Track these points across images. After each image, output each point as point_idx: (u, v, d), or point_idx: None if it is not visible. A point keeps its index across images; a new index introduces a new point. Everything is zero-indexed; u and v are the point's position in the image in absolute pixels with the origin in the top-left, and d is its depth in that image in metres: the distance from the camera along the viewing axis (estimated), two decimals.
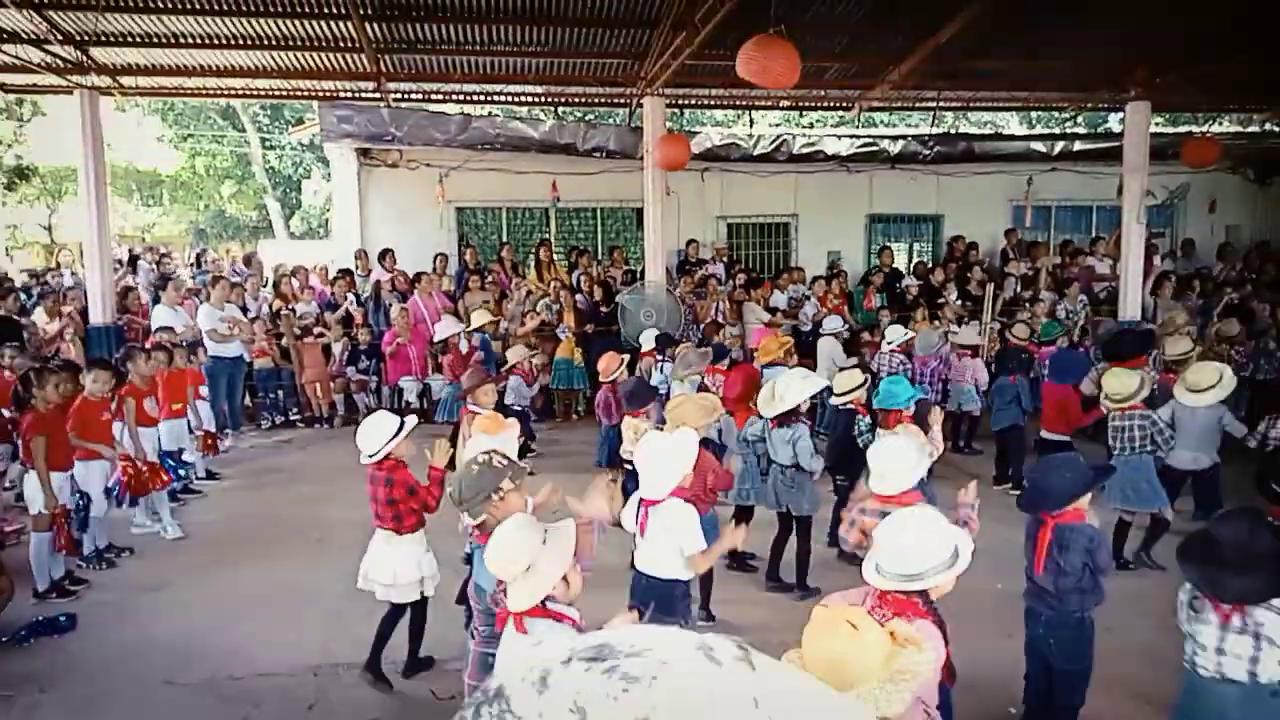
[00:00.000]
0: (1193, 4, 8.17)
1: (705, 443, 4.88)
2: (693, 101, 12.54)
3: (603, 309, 11.09)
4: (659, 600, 3.85)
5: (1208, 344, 8.99)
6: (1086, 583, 3.61)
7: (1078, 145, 13.35)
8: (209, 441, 8.46)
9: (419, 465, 4.52)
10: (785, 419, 5.51)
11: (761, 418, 6.00)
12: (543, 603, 2.73)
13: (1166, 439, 5.93)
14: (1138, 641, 4.66)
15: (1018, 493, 7.24)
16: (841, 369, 7.97)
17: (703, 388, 7.67)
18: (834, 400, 6.46)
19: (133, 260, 12.70)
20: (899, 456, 3.89)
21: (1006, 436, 7.92)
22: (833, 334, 10.06)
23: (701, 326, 10.85)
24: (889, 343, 9.01)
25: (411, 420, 4.50)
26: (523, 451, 7.60)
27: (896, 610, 2.70)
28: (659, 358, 8.67)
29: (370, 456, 4.35)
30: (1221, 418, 6.34)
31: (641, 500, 3.96)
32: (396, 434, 4.35)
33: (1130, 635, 4.68)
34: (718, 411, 5.32)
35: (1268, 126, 14.22)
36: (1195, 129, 13.74)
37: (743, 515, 5.97)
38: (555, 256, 12.63)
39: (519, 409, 8.56)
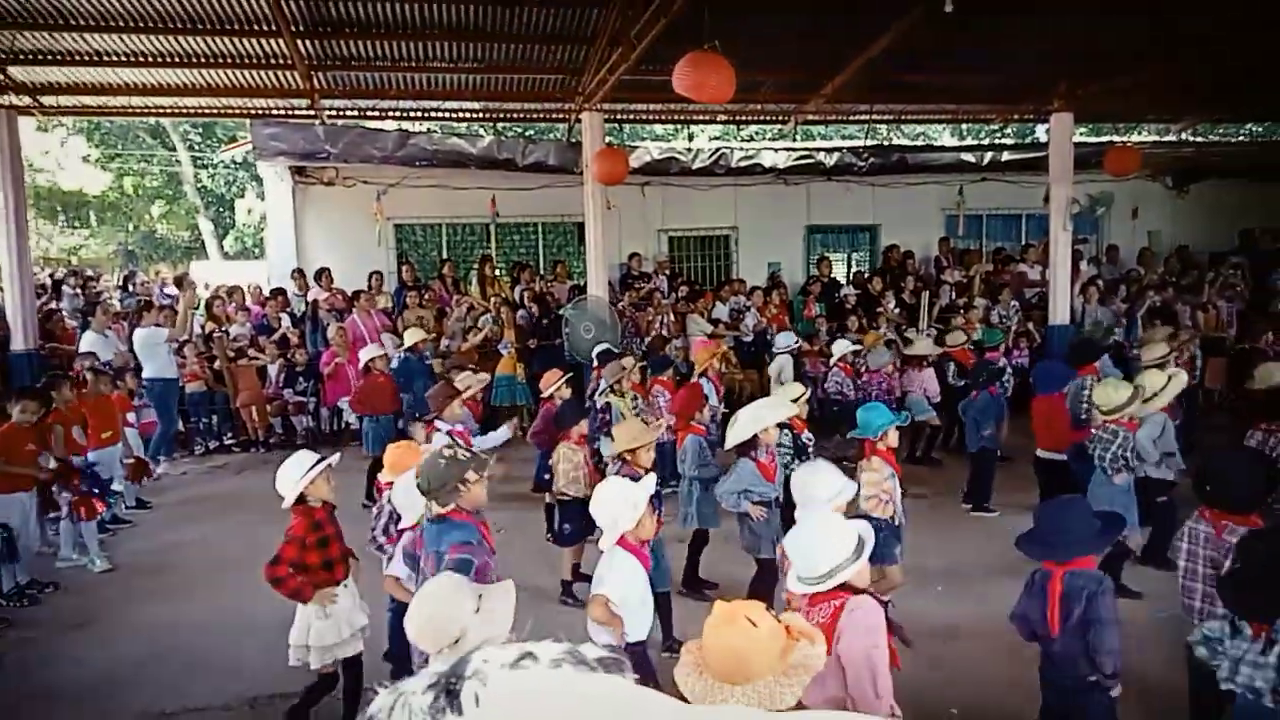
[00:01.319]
0: (1111, 19, 8.47)
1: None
2: (631, 116, 12.59)
3: (543, 322, 11.04)
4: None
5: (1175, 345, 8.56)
6: (1115, 636, 3.27)
7: (1006, 156, 13.73)
8: (139, 469, 8.19)
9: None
10: (744, 449, 5.15)
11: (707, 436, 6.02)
12: None
13: (1131, 456, 5.51)
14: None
15: (982, 514, 7.34)
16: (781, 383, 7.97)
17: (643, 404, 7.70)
18: (788, 414, 6.01)
19: (56, 285, 12.27)
20: (808, 482, 3.86)
21: (977, 458, 7.61)
22: (782, 351, 9.84)
23: (645, 340, 10.89)
24: (834, 358, 8.95)
25: (332, 457, 4.19)
26: None
27: (828, 599, 2.89)
28: (601, 374, 8.57)
29: (285, 501, 4.06)
30: (1164, 427, 5.91)
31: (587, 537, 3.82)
32: (310, 470, 4.02)
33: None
34: (658, 431, 5.34)
35: (1184, 135, 14.80)
36: (1117, 138, 14.23)
37: (698, 538, 5.88)
38: (498, 272, 12.57)
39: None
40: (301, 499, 4.06)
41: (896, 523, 4.94)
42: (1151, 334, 9.00)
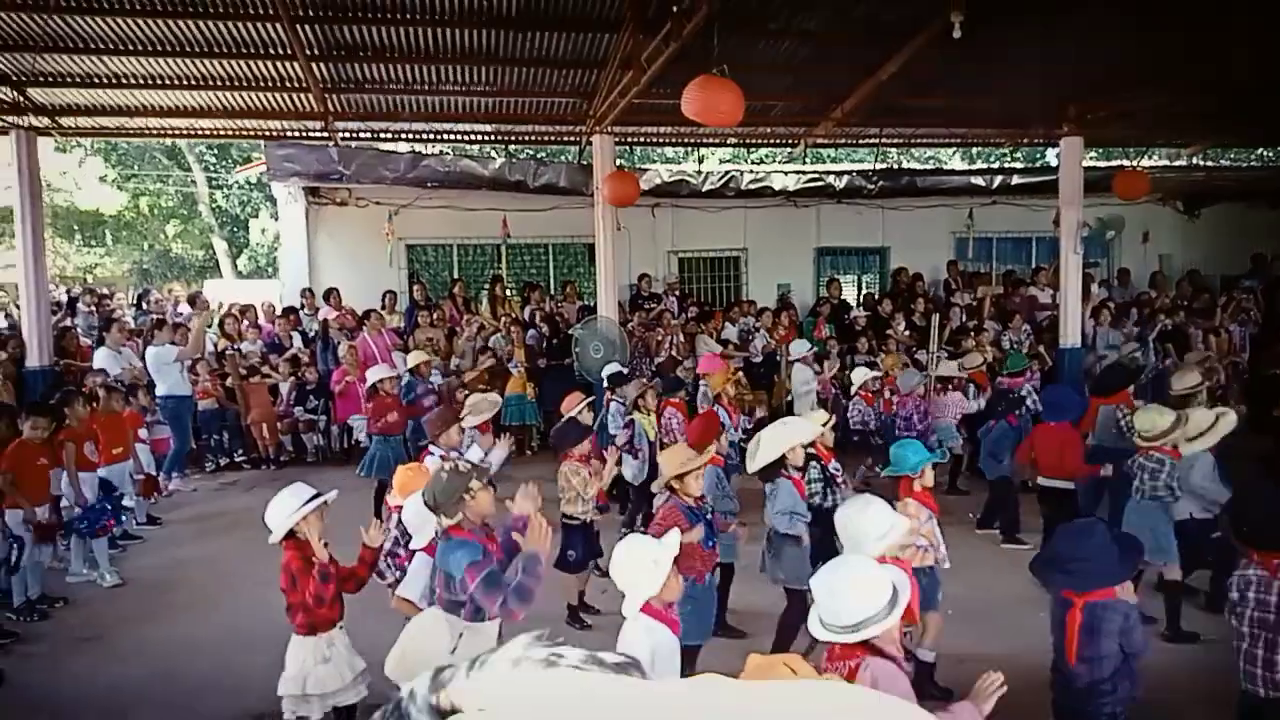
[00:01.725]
0: (1120, 43, 8.51)
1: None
2: (641, 139, 12.69)
3: (553, 341, 11.09)
4: None
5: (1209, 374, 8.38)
6: (1123, 668, 3.24)
7: (1015, 179, 13.76)
8: (148, 486, 8.24)
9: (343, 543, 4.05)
10: (770, 474, 4.88)
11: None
12: None
13: (1172, 489, 5.37)
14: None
15: (1014, 545, 7.08)
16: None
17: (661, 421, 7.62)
18: (812, 436, 5.74)
19: (71, 302, 12.40)
20: (858, 520, 3.56)
21: (996, 487, 7.49)
22: (800, 359, 9.82)
23: (656, 361, 10.90)
24: (855, 387, 8.61)
25: (330, 494, 3.97)
26: None
27: (845, 656, 2.71)
28: (613, 396, 8.52)
29: (273, 536, 3.87)
30: (1193, 464, 5.60)
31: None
32: (300, 508, 3.81)
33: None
34: (709, 456, 4.84)
35: (1195, 160, 14.81)
36: (1126, 163, 14.25)
37: (723, 575, 5.44)
38: (509, 292, 12.64)
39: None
40: (291, 534, 3.85)
41: (941, 567, 4.67)
42: (1190, 358, 8.83)
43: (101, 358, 9.52)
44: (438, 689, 0.61)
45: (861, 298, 14.08)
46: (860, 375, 8.77)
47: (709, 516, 4.67)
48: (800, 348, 9.96)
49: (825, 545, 5.33)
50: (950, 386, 8.68)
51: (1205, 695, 4.43)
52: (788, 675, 2.21)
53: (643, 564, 3.18)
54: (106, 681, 5.06)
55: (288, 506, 3.83)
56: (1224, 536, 5.32)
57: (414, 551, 4.25)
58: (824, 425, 5.75)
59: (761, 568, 5.12)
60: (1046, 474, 6.53)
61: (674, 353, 10.84)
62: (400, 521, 4.60)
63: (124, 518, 7.54)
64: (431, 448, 5.94)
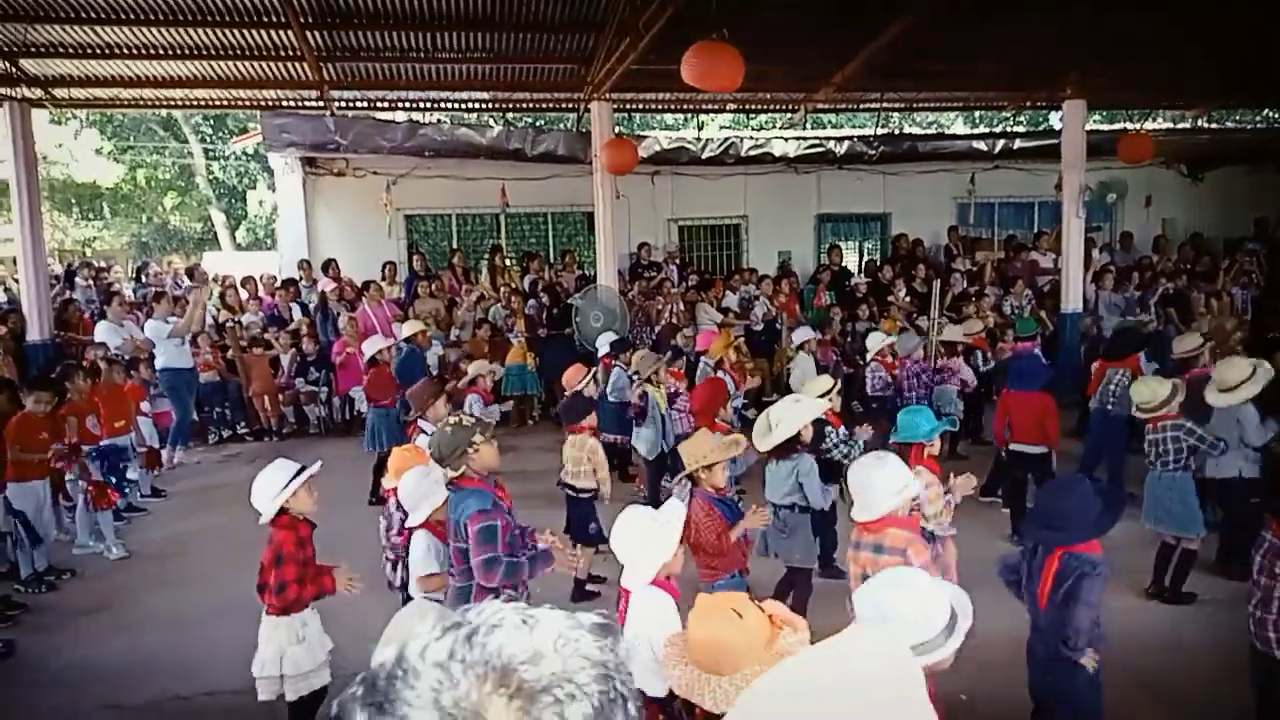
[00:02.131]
0: (1123, 5, 8.39)
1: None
2: (640, 106, 12.58)
3: (553, 310, 11.07)
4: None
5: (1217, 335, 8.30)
6: (1088, 617, 3.27)
7: (1018, 143, 13.64)
8: (152, 458, 8.27)
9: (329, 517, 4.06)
10: (784, 451, 4.82)
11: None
12: None
13: (1210, 446, 5.31)
14: (1149, 676, 4.47)
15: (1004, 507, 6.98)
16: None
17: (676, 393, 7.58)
18: (820, 412, 5.72)
19: (69, 275, 12.38)
20: (873, 475, 3.54)
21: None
22: (801, 344, 9.51)
23: (656, 329, 10.89)
24: (871, 353, 8.48)
25: (312, 468, 3.87)
26: None
27: None
28: (612, 363, 8.54)
29: (263, 517, 3.78)
30: (1239, 420, 5.54)
31: (621, 589, 3.30)
32: (288, 483, 3.74)
33: (1138, 668, 4.45)
34: (740, 447, 4.70)
35: (1199, 122, 14.66)
36: (1130, 126, 14.12)
37: None
38: (508, 261, 12.59)
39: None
40: (283, 511, 3.77)
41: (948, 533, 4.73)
42: (1223, 323, 8.79)
43: (102, 331, 9.51)
44: (401, 659, 0.61)
45: (863, 264, 14.03)
46: (875, 340, 8.55)
47: (737, 504, 4.60)
48: (804, 334, 9.62)
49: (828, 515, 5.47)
50: (956, 352, 8.62)
51: (1209, 657, 4.48)
52: (731, 617, 2.23)
53: (654, 538, 3.14)
54: (113, 652, 5.12)
55: (274, 485, 3.75)
56: (1242, 495, 5.51)
57: (410, 531, 4.22)
58: (827, 393, 5.76)
59: (762, 548, 4.97)
60: (1021, 440, 6.56)
61: (674, 321, 10.82)
62: (394, 507, 4.57)
63: (127, 490, 7.59)
64: (420, 422, 5.91)
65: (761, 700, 0.64)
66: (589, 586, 5.77)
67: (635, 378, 7.59)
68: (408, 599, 4.26)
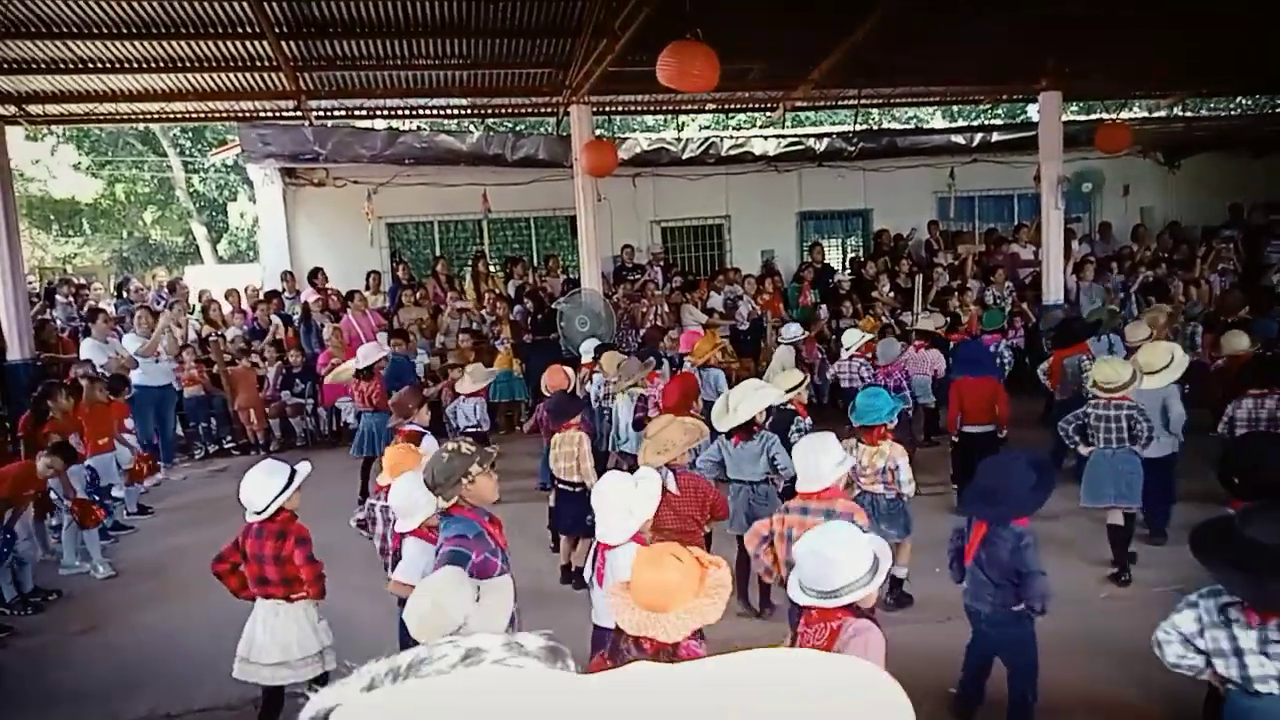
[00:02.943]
0: None
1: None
2: (619, 108, 12.58)
3: (537, 316, 11.07)
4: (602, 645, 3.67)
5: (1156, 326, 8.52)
6: (1024, 586, 3.56)
7: (996, 136, 13.71)
8: (138, 470, 8.19)
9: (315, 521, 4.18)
10: (747, 432, 5.23)
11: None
12: None
13: (1150, 431, 5.56)
14: (1082, 638, 4.58)
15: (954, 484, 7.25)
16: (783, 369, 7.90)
17: (642, 397, 7.64)
18: (780, 399, 6.16)
19: (49, 293, 12.27)
20: (816, 450, 4.02)
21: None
22: (789, 342, 9.60)
23: (641, 332, 10.90)
24: (847, 349, 8.65)
25: (304, 469, 4.08)
26: None
27: (825, 619, 2.81)
28: (595, 368, 8.55)
29: (258, 513, 3.94)
30: (1166, 399, 5.94)
31: (598, 545, 3.70)
32: (288, 485, 3.96)
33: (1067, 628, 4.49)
34: (703, 433, 5.12)
35: (1175, 110, 14.79)
36: (1107, 116, 14.22)
37: None
38: (491, 268, 12.57)
39: (471, 430, 8.31)
40: (279, 510, 3.96)
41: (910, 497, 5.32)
42: (1149, 313, 9.02)
43: (88, 348, 9.42)
44: (328, 716, 0.60)
45: (847, 261, 14.09)
46: (851, 337, 8.71)
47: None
48: (792, 331, 9.76)
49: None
50: (929, 344, 8.90)
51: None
52: (673, 563, 2.59)
53: (640, 494, 3.59)
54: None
55: (273, 487, 3.91)
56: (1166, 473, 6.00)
57: (403, 534, 4.22)
58: (795, 387, 6.25)
59: (733, 522, 5.25)
60: (972, 421, 6.87)
61: (659, 323, 10.83)
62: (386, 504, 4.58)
63: (113, 508, 7.54)
64: (407, 426, 6.16)
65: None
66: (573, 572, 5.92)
67: (610, 383, 7.66)
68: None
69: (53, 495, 6.66)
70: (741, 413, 5.16)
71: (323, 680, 4.04)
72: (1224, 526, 2.93)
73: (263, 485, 3.93)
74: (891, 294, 11.74)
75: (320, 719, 0.59)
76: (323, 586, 4.01)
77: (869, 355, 8.64)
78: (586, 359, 8.67)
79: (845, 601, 2.76)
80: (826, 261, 13.60)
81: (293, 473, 4.00)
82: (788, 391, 6.09)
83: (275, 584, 3.97)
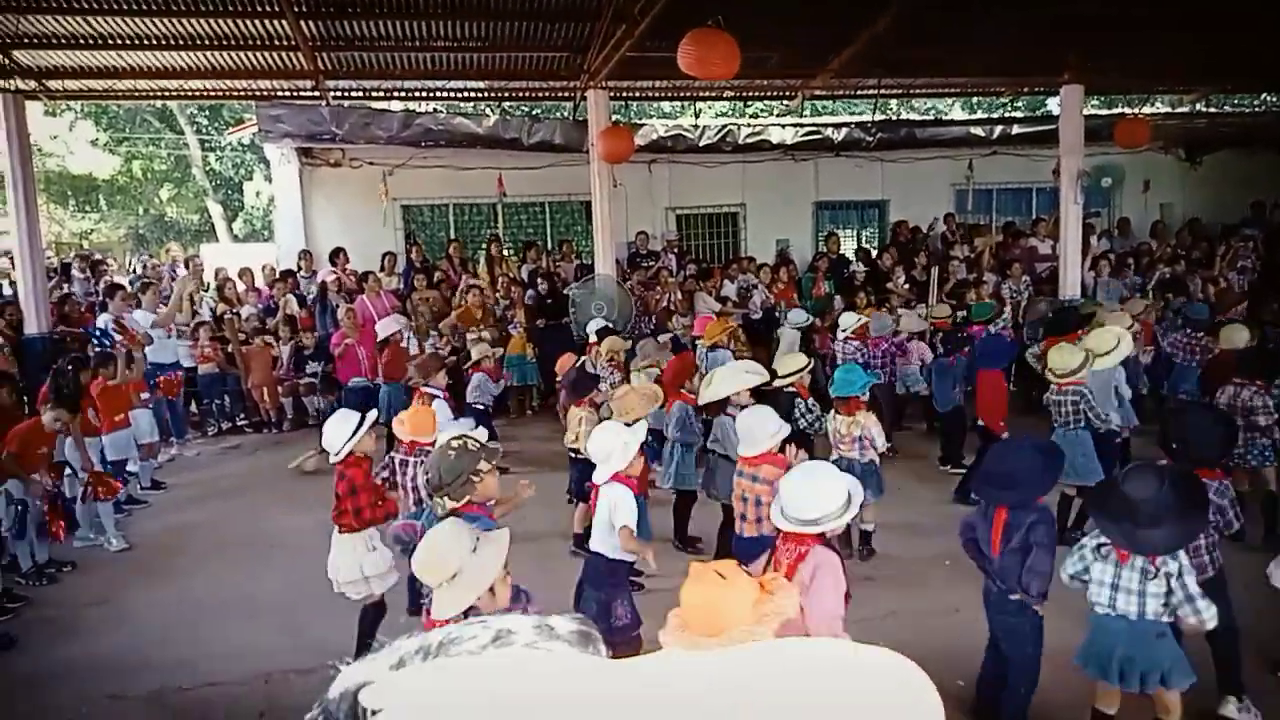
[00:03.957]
0: None
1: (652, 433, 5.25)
2: (636, 94, 12.53)
3: (550, 301, 11.07)
4: (597, 576, 4.23)
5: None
6: (1048, 562, 3.60)
7: (1016, 129, 13.61)
8: (151, 448, 8.28)
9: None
10: (714, 409, 5.64)
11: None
12: (465, 613, 2.60)
13: (1096, 413, 5.97)
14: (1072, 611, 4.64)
15: (958, 472, 7.46)
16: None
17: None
18: (777, 382, 6.53)
19: (65, 269, 12.35)
20: (756, 421, 4.57)
21: (949, 418, 8.05)
22: (795, 327, 9.94)
23: (653, 317, 10.89)
24: (843, 330, 8.87)
25: (372, 415, 4.69)
26: None
27: (798, 543, 3.20)
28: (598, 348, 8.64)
29: (334, 456, 4.53)
30: (1115, 381, 6.54)
31: (591, 485, 4.35)
32: (355, 431, 4.51)
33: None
34: (659, 400, 5.66)
35: (1197, 106, 14.63)
36: (1128, 110, 14.08)
37: (684, 500, 6.18)
38: (505, 251, 12.56)
39: (481, 407, 8.41)
40: (350, 452, 4.51)
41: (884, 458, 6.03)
42: (1129, 304, 9.37)
43: (104, 324, 9.48)
44: (357, 693, 0.60)
45: (871, 252, 14.04)
46: (848, 319, 8.98)
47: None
48: (798, 317, 10.01)
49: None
50: (919, 336, 9.27)
51: None
52: (715, 579, 2.43)
53: (616, 443, 4.19)
54: (116, 643, 5.13)
55: (344, 432, 4.51)
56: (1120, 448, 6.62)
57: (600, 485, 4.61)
58: (801, 369, 6.60)
59: (715, 491, 5.74)
60: (982, 417, 7.11)
61: (671, 309, 10.82)
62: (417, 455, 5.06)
63: (127, 481, 7.60)
64: (424, 386, 6.70)
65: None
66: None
67: (608, 364, 7.91)
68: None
69: (66, 472, 6.71)
70: (716, 390, 5.54)
71: (375, 607, 4.56)
72: (1110, 485, 3.60)
73: (333, 433, 4.56)
74: (907, 286, 11.66)
75: (350, 693, 0.59)
76: (360, 523, 4.49)
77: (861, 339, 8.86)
78: (592, 340, 8.73)
79: (821, 529, 3.16)
80: (842, 252, 13.52)
81: (361, 420, 4.56)
82: (789, 375, 6.42)
83: (335, 515, 4.55)
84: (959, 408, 7.91)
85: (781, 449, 4.54)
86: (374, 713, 0.57)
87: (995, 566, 3.72)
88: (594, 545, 4.30)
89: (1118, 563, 3.39)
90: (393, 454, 5.29)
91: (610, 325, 9.15)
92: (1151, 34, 9.57)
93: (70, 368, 6.95)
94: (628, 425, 4.69)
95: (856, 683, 0.60)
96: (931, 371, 8.38)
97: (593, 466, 5.82)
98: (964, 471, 7.44)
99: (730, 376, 5.63)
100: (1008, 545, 3.64)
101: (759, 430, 4.54)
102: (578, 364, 7.35)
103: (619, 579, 4.22)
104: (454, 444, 3.58)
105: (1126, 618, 3.35)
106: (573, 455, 6.32)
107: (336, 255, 11.71)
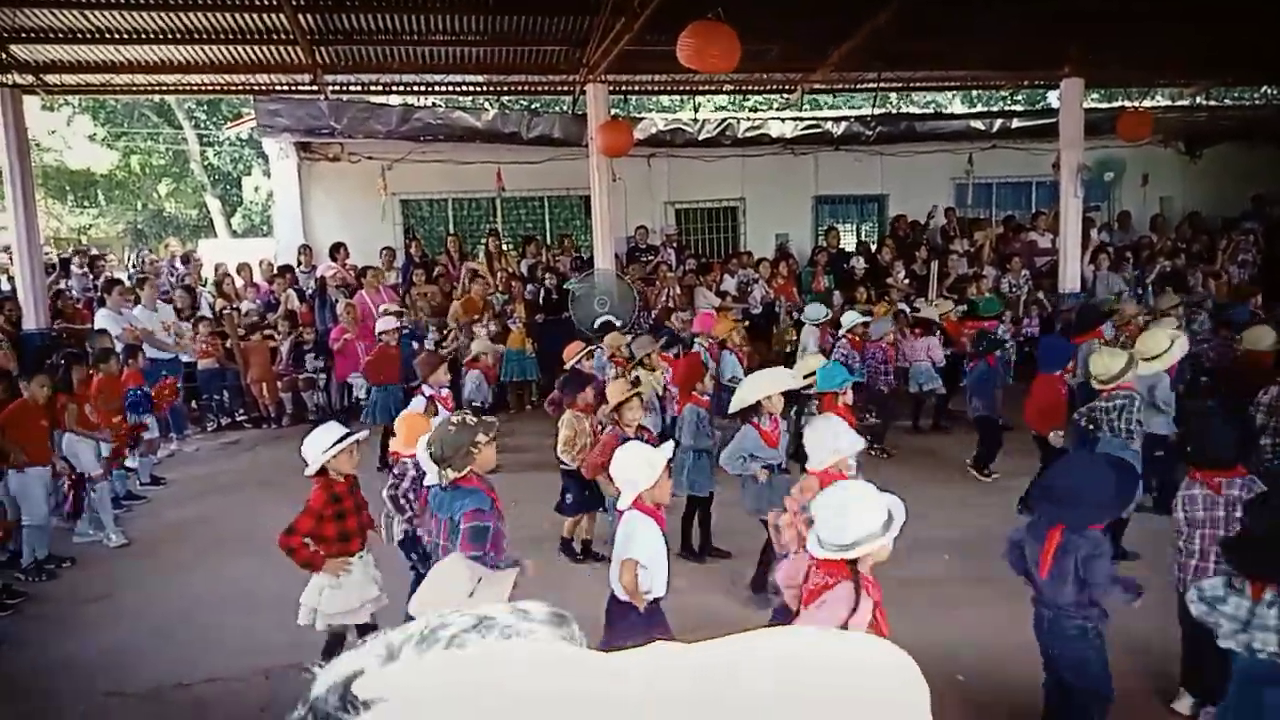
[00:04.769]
0: None
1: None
2: (636, 87, 12.50)
3: (550, 296, 11.05)
4: (609, 617, 3.79)
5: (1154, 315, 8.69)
6: (1085, 593, 3.38)
7: (1016, 123, 13.55)
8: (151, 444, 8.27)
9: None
10: (745, 416, 5.22)
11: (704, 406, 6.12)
12: None
13: (1137, 420, 5.54)
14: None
15: (979, 477, 7.38)
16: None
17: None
18: (793, 385, 6.12)
19: (64, 264, 12.33)
20: (824, 432, 4.08)
21: (979, 425, 7.68)
22: (813, 322, 9.72)
23: (653, 313, 10.87)
24: (842, 329, 8.69)
25: (363, 433, 4.39)
26: None
27: (828, 571, 2.99)
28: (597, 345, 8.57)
29: (308, 469, 4.21)
30: (1154, 387, 6.02)
31: (616, 511, 3.93)
32: (334, 445, 4.15)
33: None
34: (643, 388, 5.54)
35: (1198, 100, 14.59)
36: (1128, 104, 14.04)
37: (699, 506, 5.97)
38: (505, 246, 12.54)
39: (478, 405, 8.42)
40: (323, 470, 4.18)
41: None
42: (1125, 308, 8.91)
43: (103, 319, 9.48)
44: (348, 684, 0.60)
45: (859, 245, 14.01)
46: (849, 319, 8.75)
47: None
48: (816, 313, 9.75)
49: None
50: (931, 331, 9.06)
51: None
52: None
53: (640, 465, 3.69)
54: (116, 639, 5.12)
55: (323, 443, 4.14)
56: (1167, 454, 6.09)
57: (430, 489, 4.35)
58: (814, 372, 5.91)
59: (754, 508, 5.36)
60: (1034, 428, 6.62)
61: (670, 304, 10.80)
62: (411, 467, 4.72)
63: (126, 478, 7.60)
64: (423, 387, 6.47)
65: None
66: (579, 552, 6.05)
67: (610, 361, 7.80)
68: (410, 554, 4.65)
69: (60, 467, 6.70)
70: (743, 396, 5.19)
71: (336, 641, 4.27)
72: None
73: (310, 445, 4.18)
74: (906, 280, 11.65)
75: (340, 685, 0.59)
76: (300, 559, 4.14)
77: (857, 339, 8.62)
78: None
79: (860, 554, 2.88)
80: (841, 246, 13.50)
81: (344, 437, 4.18)
82: (806, 376, 5.93)
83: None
84: (987, 417, 7.55)
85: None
86: (366, 704, 0.57)
87: (1041, 589, 3.47)
88: (611, 580, 3.90)
89: (1250, 597, 3.00)
90: (393, 465, 5.03)
91: (608, 322, 9.11)
92: (1152, 26, 9.54)
93: (64, 362, 6.97)
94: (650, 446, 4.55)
95: (843, 669, 0.61)
96: (967, 376, 7.94)
97: (578, 479, 5.84)
98: (991, 477, 7.37)
99: (756, 383, 5.31)
100: (1058, 569, 3.35)
101: (825, 443, 4.05)
102: (585, 352, 7.18)
103: (630, 625, 3.65)
104: (454, 419, 3.82)
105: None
106: (564, 468, 6.00)
107: (336, 250, 11.70)
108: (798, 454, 5.80)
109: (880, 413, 8.49)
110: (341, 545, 4.22)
